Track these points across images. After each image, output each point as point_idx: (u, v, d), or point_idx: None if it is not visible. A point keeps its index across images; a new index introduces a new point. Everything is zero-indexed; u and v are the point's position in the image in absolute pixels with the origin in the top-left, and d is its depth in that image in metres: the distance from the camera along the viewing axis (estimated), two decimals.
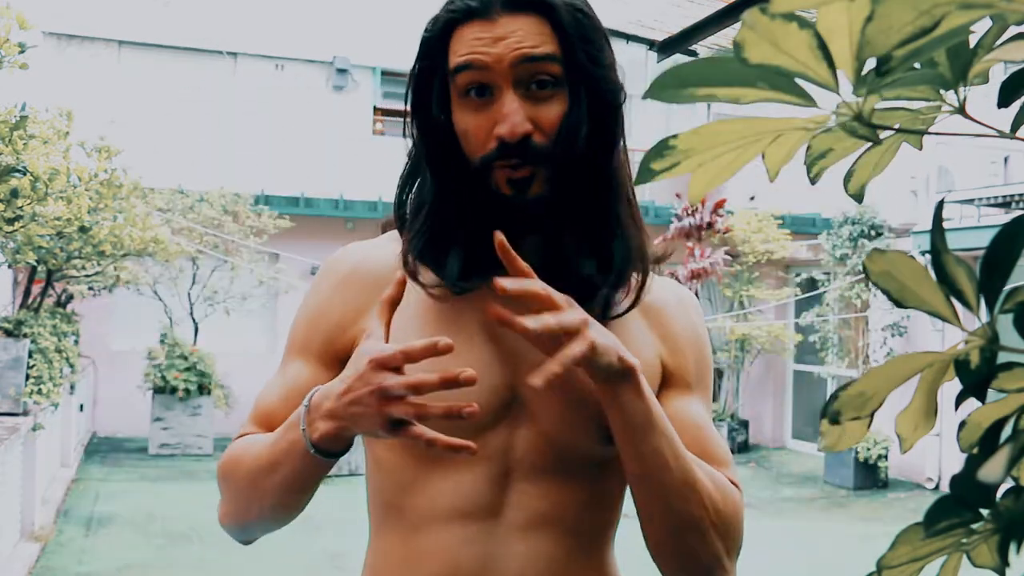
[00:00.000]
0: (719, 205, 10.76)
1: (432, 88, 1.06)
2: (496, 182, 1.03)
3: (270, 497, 1.05)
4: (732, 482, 1.10)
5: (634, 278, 1.10)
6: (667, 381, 1.14)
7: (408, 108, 1.09)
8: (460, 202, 1.06)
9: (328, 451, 0.97)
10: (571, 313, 0.93)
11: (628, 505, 1.11)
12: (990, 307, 0.52)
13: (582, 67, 1.02)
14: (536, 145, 1.01)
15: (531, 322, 0.89)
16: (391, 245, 1.15)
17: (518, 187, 1.02)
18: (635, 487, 1.03)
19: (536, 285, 0.94)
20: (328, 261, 1.18)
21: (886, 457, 9.18)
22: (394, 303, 0.97)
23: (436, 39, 1.04)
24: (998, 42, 0.55)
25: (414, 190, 1.12)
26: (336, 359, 1.12)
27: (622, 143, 1.10)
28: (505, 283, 0.91)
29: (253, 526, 1.12)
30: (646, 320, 1.14)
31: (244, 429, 1.14)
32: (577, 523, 1.07)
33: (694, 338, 1.17)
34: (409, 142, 1.11)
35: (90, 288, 8.42)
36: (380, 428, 0.90)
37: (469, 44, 1.01)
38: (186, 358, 9.63)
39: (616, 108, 1.06)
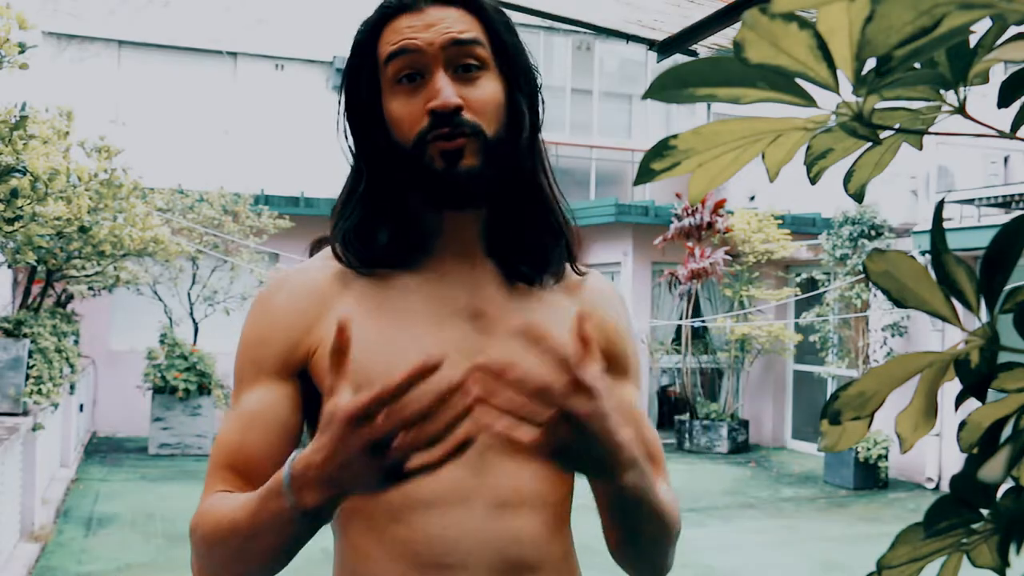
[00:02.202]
0: (719, 205, 10.76)
1: (362, 83, 1.12)
2: (430, 156, 1.07)
3: (256, 562, 1.01)
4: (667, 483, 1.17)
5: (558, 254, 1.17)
6: (607, 367, 1.14)
7: (342, 105, 1.16)
8: (391, 188, 1.12)
9: (319, 516, 0.92)
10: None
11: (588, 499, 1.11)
12: (990, 307, 0.52)
13: (506, 52, 1.11)
14: (466, 120, 1.06)
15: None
16: (323, 263, 1.16)
17: (450, 159, 1.06)
18: (609, 516, 1.03)
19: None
20: (260, 294, 1.17)
21: (886, 457, 9.18)
22: (343, 352, 0.87)
23: (367, 36, 1.11)
24: (998, 42, 0.55)
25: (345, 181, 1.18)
26: (295, 372, 1.11)
27: (539, 126, 1.17)
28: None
29: None
30: (570, 300, 1.19)
31: (211, 485, 1.10)
32: (544, 498, 1.11)
33: (627, 330, 1.25)
34: (342, 140, 1.17)
35: (90, 288, 8.42)
36: (377, 483, 0.85)
37: (401, 32, 1.08)
38: (186, 358, 9.63)
39: (537, 91, 1.14)
